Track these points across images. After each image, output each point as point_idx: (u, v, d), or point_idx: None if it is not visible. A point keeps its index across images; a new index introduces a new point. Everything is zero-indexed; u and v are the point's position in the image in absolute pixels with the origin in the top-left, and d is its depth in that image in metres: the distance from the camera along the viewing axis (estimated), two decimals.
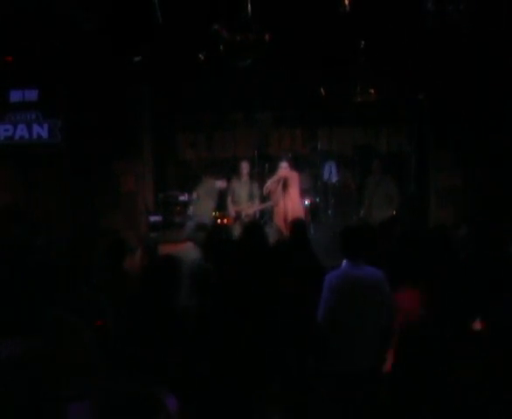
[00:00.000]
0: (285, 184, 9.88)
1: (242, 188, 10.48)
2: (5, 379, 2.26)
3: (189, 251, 6.61)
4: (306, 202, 10.75)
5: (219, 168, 12.16)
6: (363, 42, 9.16)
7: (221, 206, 10.72)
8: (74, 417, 2.16)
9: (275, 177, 10.02)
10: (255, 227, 6.58)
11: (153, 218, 10.65)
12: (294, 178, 9.94)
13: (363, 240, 5.20)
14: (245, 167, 10.52)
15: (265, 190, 10.15)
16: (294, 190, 9.89)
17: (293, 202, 9.84)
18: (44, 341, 2.38)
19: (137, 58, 9.43)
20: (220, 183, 10.58)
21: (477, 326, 3.47)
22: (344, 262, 5.05)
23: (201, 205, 10.48)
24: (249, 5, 7.64)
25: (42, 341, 2.35)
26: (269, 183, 10.09)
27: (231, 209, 10.43)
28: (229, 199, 10.52)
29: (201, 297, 5.25)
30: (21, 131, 10.23)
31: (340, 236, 5.24)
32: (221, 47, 8.07)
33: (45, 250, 6.38)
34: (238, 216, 10.29)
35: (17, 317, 2.75)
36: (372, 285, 4.90)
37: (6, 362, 2.25)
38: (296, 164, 11.10)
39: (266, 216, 10.69)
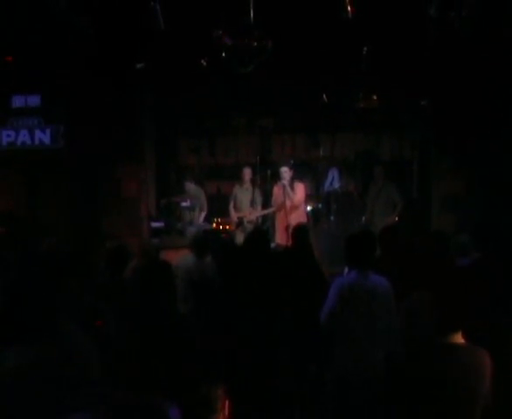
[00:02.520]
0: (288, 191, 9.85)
1: (244, 194, 10.49)
2: (7, 388, 2.26)
3: (189, 257, 6.63)
4: (308, 208, 10.74)
5: (222, 173, 12.19)
6: (365, 48, 9.17)
7: (223, 212, 10.73)
8: None
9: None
10: (259, 233, 6.59)
11: (155, 224, 10.66)
12: (298, 187, 9.90)
13: (368, 248, 5.19)
14: (247, 173, 10.53)
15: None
16: (298, 197, 9.86)
17: (296, 207, 9.81)
18: (47, 351, 2.38)
19: (140, 65, 9.45)
20: (188, 185, 10.73)
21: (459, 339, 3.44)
22: (352, 271, 5.03)
23: (190, 211, 10.57)
24: (251, 11, 7.65)
25: (44, 351, 2.35)
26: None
27: (233, 215, 10.44)
28: (231, 205, 10.53)
29: (202, 303, 5.26)
30: (23, 137, 10.23)
31: (345, 246, 5.21)
32: (223, 53, 8.07)
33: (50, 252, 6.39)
34: (240, 222, 10.29)
35: (19, 324, 2.75)
36: (382, 294, 4.89)
37: (8, 371, 2.24)
38: (298, 170, 11.10)
39: (267, 222, 10.69)
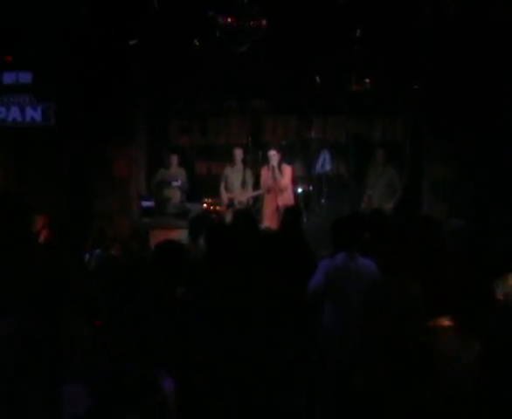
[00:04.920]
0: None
1: (235, 175, 10.46)
2: None
3: (184, 238, 6.65)
4: (299, 190, 10.74)
5: (213, 154, 12.16)
6: (358, 30, 9.16)
7: (214, 192, 10.71)
8: (69, 399, 2.16)
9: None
10: (245, 214, 6.58)
11: (145, 203, 10.60)
12: (286, 170, 9.92)
13: (355, 231, 5.21)
14: (238, 154, 10.49)
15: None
16: (284, 181, 9.88)
17: (283, 190, 9.83)
18: (39, 322, 2.38)
19: (132, 42, 9.39)
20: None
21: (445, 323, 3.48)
22: (339, 254, 5.04)
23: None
24: None
25: (37, 322, 2.35)
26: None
27: (224, 196, 10.42)
28: (222, 186, 10.50)
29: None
30: (14, 113, 10.12)
31: (332, 229, 5.24)
32: (217, 33, 8.04)
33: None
34: (230, 203, 10.27)
35: (12, 298, 2.75)
36: (368, 277, 4.90)
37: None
38: (290, 152, 11.10)
39: (258, 203, 10.68)
